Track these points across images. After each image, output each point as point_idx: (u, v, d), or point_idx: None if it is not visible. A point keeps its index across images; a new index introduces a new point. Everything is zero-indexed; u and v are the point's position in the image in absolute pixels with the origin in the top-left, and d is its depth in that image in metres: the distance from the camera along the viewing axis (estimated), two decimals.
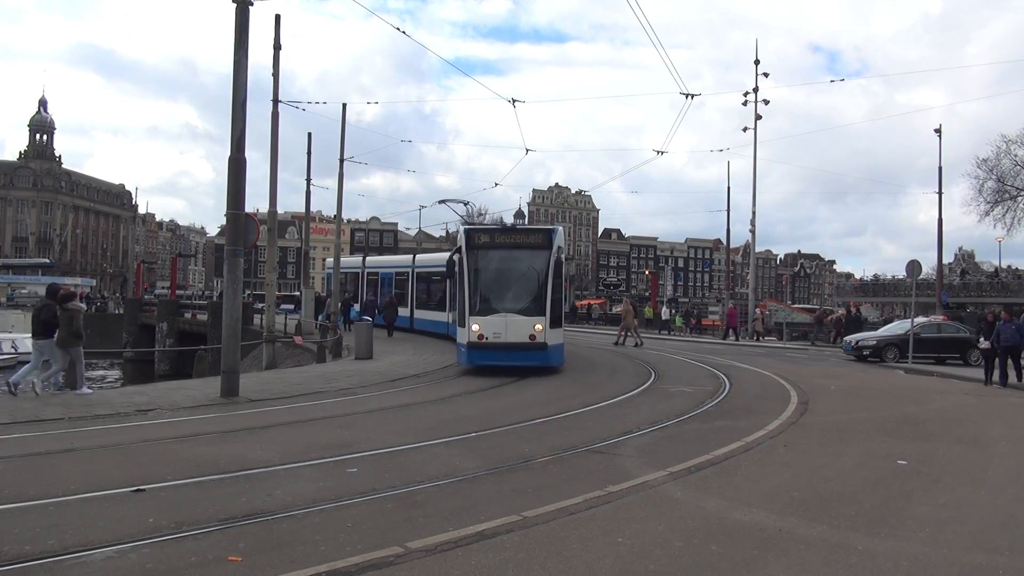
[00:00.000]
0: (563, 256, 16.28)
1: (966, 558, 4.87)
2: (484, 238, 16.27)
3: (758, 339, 35.00)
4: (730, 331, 35.15)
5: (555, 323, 15.73)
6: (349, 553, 4.56)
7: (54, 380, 12.23)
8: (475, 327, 15.37)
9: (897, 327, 25.52)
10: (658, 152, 43.23)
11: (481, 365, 15.65)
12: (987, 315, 18.72)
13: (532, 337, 15.31)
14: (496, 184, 67.92)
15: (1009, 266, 63.55)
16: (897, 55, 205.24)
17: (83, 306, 13.39)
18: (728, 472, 7.25)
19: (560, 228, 17.24)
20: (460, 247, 16.06)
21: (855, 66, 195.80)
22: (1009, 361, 16.60)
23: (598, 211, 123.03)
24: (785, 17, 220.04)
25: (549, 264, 15.60)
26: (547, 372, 15.62)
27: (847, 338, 26.15)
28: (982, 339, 17.12)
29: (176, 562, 4.44)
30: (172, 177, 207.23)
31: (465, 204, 23.78)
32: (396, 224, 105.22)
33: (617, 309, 66.54)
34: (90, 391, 12.30)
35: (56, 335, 11.71)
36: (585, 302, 62.14)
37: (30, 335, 13.61)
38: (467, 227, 16.32)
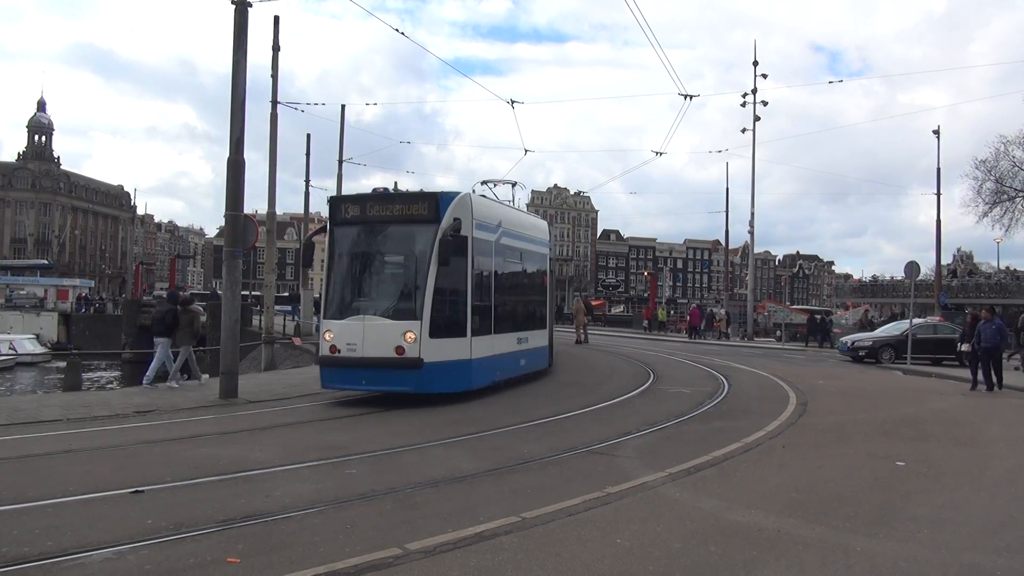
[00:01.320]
0: (472, 233, 11.84)
1: (965, 559, 4.87)
2: (353, 210, 12.07)
3: (719, 338, 36.54)
4: (694, 330, 37.06)
5: (448, 330, 11.48)
6: (348, 554, 4.56)
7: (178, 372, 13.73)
8: (327, 335, 11.54)
9: (893, 328, 25.59)
10: (657, 153, 43.15)
11: (335, 389, 12.02)
12: (968, 315, 17.67)
13: (400, 350, 10.93)
14: (495, 185, 67.67)
15: (1008, 267, 63.57)
16: (900, 55, 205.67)
17: (201, 308, 15.31)
18: (727, 473, 7.26)
19: (465, 193, 12.32)
20: (326, 225, 12.47)
21: (857, 65, 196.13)
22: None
23: (597, 212, 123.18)
24: (787, 16, 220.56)
25: (434, 244, 11.18)
26: (467, 396, 11.71)
27: (843, 339, 26.28)
28: (962, 343, 16.13)
29: (175, 563, 4.43)
30: (171, 178, 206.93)
31: (513, 185, 19.56)
32: None
33: (617, 310, 66.94)
34: (202, 382, 14.06)
35: (176, 334, 13.50)
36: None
37: (27, 336, 14.17)
38: (334, 196, 12.66)
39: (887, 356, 23.10)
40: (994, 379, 15.32)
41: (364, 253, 12.13)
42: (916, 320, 26.11)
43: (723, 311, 41.93)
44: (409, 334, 11.01)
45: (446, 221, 11.36)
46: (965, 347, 15.90)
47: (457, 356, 11.62)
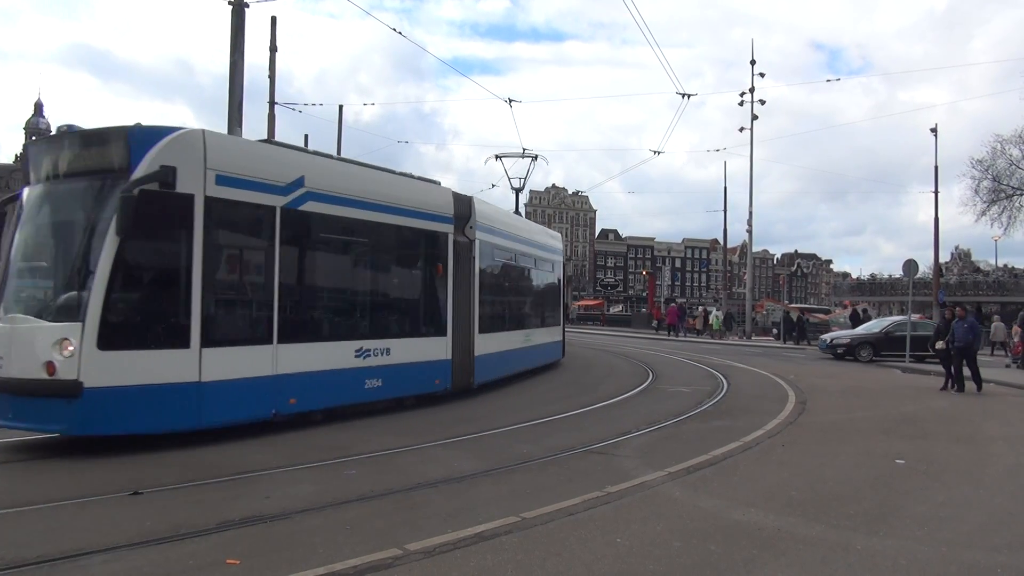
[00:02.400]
0: (206, 190, 7.99)
1: (965, 556, 4.87)
2: (45, 161, 8.33)
3: (695, 334, 38.72)
4: (671, 328, 38.30)
5: (144, 338, 7.76)
6: (348, 555, 4.55)
7: None
8: None
9: (874, 325, 25.90)
10: (655, 152, 43.33)
11: None
12: (946, 311, 16.66)
13: (51, 368, 7.23)
14: (493, 185, 67.37)
15: (1005, 265, 63.70)
16: (900, 52, 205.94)
17: None
18: (726, 472, 7.26)
19: (191, 130, 8.17)
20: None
21: (857, 63, 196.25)
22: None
23: (595, 212, 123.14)
24: (787, 14, 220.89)
25: (111, 202, 7.50)
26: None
27: (823, 336, 26.58)
28: (938, 341, 15.40)
29: (174, 565, 4.43)
30: None
31: (534, 158, 17.71)
32: None
33: (616, 310, 67.16)
34: None
35: None
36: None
37: None
38: (28, 142, 9.29)
39: (865, 353, 23.34)
40: (975, 379, 14.63)
41: (40, 223, 8.36)
42: (896, 318, 26.59)
43: (700, 309, 43.68)
44: (66, 343, 7.23)
45: (142, 170, 7.57)
46: (939, 344, 15.35)
47: (165, 377, 7.73)
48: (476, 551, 4.72)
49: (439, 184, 12.52)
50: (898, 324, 24.42)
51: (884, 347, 23.34)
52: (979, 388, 14.67)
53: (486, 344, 13.08)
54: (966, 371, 14.78)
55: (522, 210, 21.51)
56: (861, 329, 25.96)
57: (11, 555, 4.52)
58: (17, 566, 4.35)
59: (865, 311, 38.01)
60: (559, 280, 19.68)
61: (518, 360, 15.27)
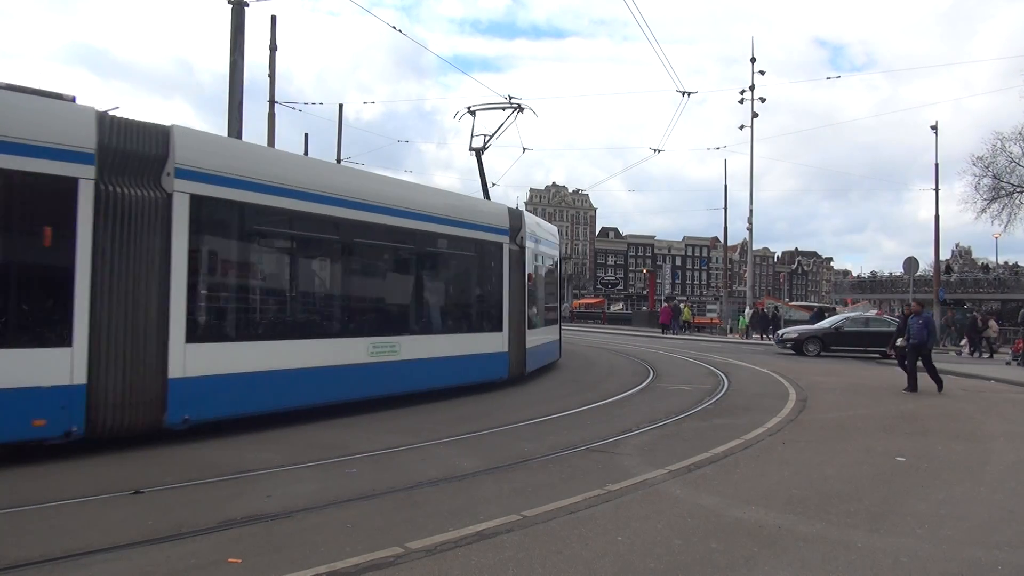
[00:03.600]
0: None
1: (965, 554, 4.88)
2: None
3: (687, 332, 40.29)
4: (664, 327, 39.24)
5: None
6: (349, 554, 4.56)
7: None
8: None
9: (828, 322, 26.36)
10: (655, 150, 43.45)
11: None
12: (905, 309, 15.98)
13: None
14: (493, 184, 67.34)
15: (1006, 262, 63.70)
16: (903, 49, 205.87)
17: None
18: (727, 470, 7.26)
19: None
20: None
21: (860, 60, 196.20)
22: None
23: (595, 210, 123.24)
24: (789, 10, 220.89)
25: None
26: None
27: (777, 332, 27.20)
28: (898, 339, 15.15)
29: (175, 564, 4.43)
30: None
31: (517, 109, 15.24)
32: None
33: (616, 308, 67.22)
34: None
35: None
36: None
37: None
38: None
39: (812, 348, 23.89)
40: (933, 378, 14.23)
41: None
42: (849, 313, 27.28)
43: (683, 306, 45.31)
44: None
45: None
46: (900, 342, 15.03)
47: None
48: (477, 549, 4.72)
49: (71, 100, 7.45)
50: (850, 319, 25.10)
51: (833, 342, 23.92)
52: (915, 388, 14.06)
53: (225, 359, 8.64)
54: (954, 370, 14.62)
55: (518, 196, 20.41)
56: (815, 325, 26.54)
57: (12, 555, 4.52)
58: (18, 566, 4.35)
59: (831, 311, 38.91)
60: (501, 270, 13.84)
61: (348, 382, 10.25)
